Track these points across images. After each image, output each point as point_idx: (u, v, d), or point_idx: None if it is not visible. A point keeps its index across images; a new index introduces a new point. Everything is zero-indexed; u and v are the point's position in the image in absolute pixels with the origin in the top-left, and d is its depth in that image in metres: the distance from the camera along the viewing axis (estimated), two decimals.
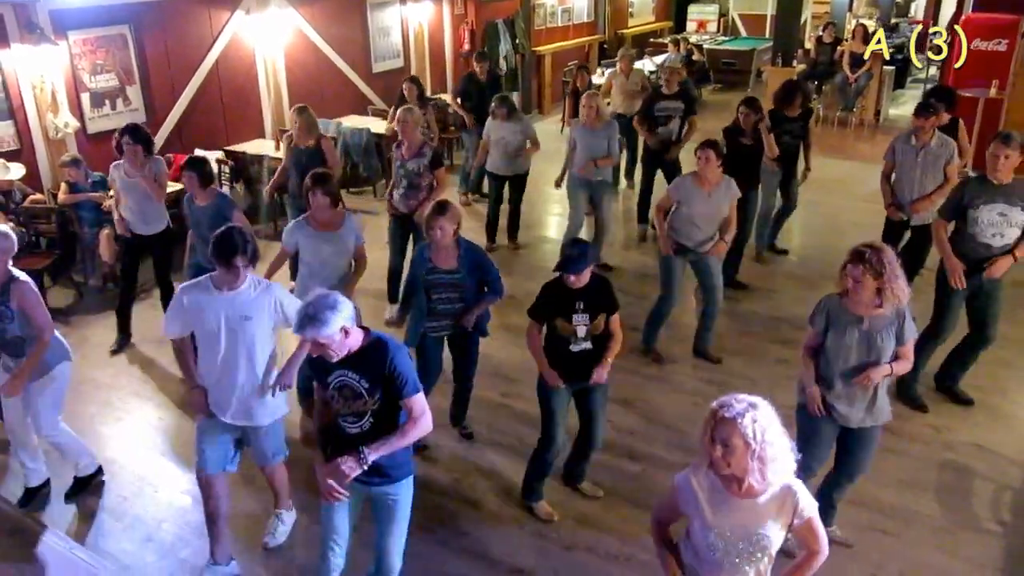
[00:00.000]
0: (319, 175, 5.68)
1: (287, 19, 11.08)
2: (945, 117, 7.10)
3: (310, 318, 3.41)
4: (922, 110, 6.66)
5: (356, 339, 3.57)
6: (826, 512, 4.50)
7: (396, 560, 3.98)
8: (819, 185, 9.17)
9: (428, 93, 11.89)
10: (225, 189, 9.55)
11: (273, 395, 4.49)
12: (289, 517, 5.02)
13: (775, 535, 3.00)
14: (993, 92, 10.91)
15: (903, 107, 15.06)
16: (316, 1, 11.56)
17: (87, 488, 5.41)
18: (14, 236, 4.81)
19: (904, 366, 4.32)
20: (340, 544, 3.97)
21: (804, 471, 4.26)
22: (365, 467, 3.61)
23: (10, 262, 4.77)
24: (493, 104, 8.86)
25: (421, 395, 3.68)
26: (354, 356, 3.59)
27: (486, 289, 5.38)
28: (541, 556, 4.78)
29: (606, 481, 5.37)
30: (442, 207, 5.18)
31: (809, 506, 3.00)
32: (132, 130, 6.83)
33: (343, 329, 3.46)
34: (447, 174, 7.40)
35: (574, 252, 4.59)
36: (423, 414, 3.67)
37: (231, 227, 4.35)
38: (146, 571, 4.76)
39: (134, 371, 6.87)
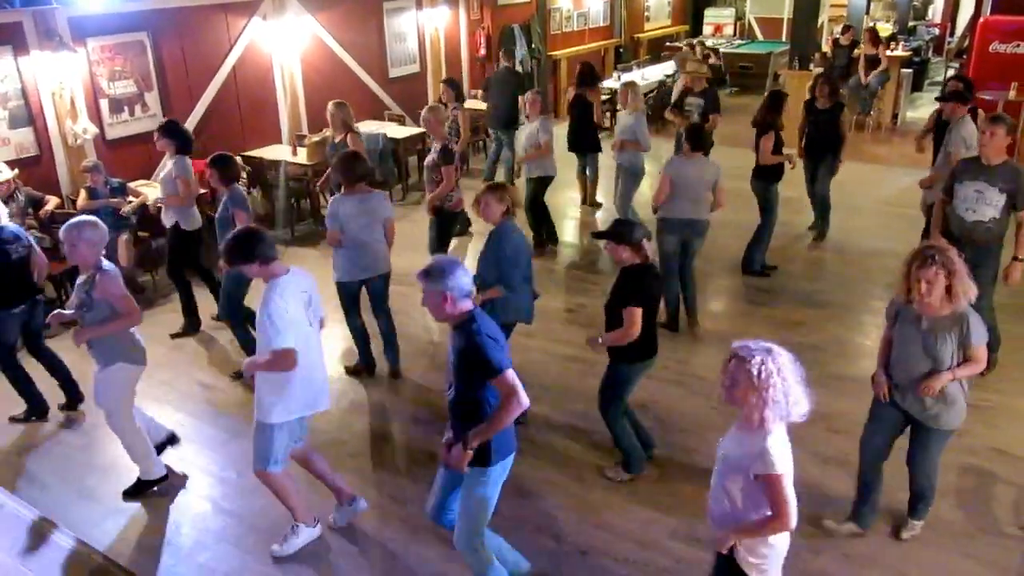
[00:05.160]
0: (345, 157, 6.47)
1: (304, 25, 11.13)
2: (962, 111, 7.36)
3: (426, 269, 3.82)
4: (946, 96, 7.34)
5: (456, 312, 3.81)
6: (915, 507, 4.80)
7: (459, 539, 4.14)
8: (837, 188, 9.14)
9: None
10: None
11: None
12: (305, 531, 4.90)
13: (738, 473, 3.31)
14: (1012, 95, 10.81)
15: (920, 110, 14.96)
16: (333, 7, 11.62)
17: (147, 492, 5.44)
18: (104, 227, 5.10)
19: (972, 369, 4.28)
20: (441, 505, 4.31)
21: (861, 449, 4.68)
22: (470, 451, 3.86)
23: (101, 253, 5.06)
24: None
25: (507, 374, 3.75)
26: (454, 327, 3.86)
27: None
28: (558, 560, 4.77)
29: (623, 487, 5.36)
30: (493, 186, 5.64)
31: (775, 462, 3.21)
32: (161, 126, 7.32)
33: (444, 294, 3.73)
34: (452, 171, 7.63)
35: (610, 225, 5.10)
36: (510, 392, 3.75)
37: (242, 229, 4.50)
38: (164, 575, 4.77)
39: (153, 375, 6.86)
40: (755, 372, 3.15)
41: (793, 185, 8.54)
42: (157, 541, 5.02)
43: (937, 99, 7.76)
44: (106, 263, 5.07)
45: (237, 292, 6.70)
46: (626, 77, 15.17)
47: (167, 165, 7.34)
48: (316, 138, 9.99)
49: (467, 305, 3.82)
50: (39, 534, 4.59)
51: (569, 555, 4.82)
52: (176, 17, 9.70)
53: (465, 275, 3.80)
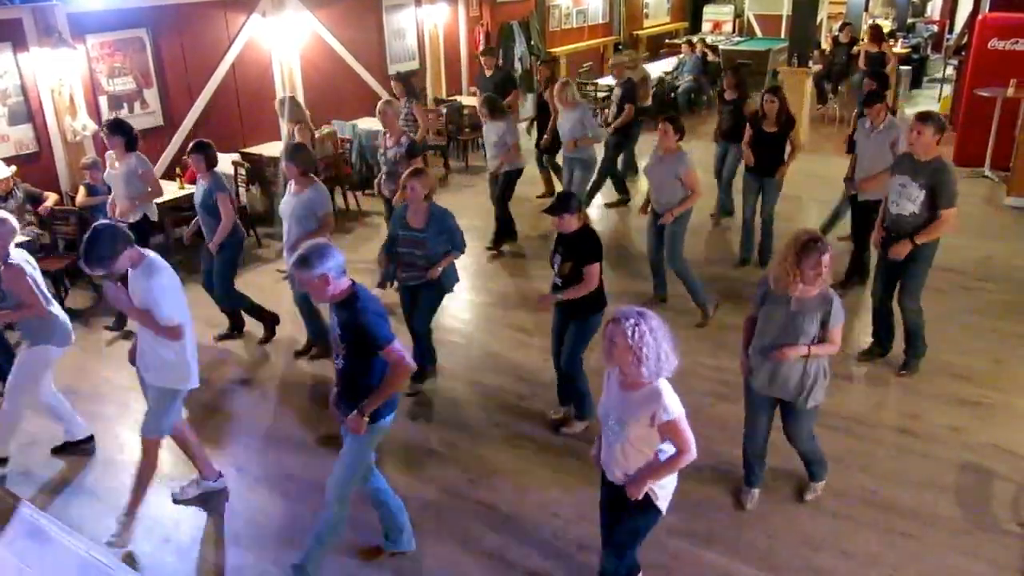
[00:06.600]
0: (289, 147, 6.69)
1: (303, 22, 11.13)
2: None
3: (300, 258, 3.92)
4: (869, 99, 7.37)
5: (337, 290, 3.98)
6: (811, 472, 5.12)
7: (333, 486, 4.31)
8: (834, 186, 9.11)
9: (442, 92, 12.00)
10: (241, 191, 9.62)
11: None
12: (191, 489, 5.33)
13: (639, 428, 3.64)
14: (1011, 92, 10.80)
15: (919, 107, 14.92)
16: (332, 4, 11.61)
17: (74, 451, 5.81)
18: (13, 222, 5.20)
19: (828, 348, 4.56)
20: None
21: (745, 439, 5.04)
22: (365, 417, 4.11)
23: (10, 247, 5.15)
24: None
25: (393, 345, 4.03)
26: (338, 304, 4.04)
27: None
28: (557, 557, 4.78)
29: None
30: (416, 171, 6.05)
31: (672, 408, 3.58)
32: (111, 124, 7.23)
33: (323, 277, 3.89)
34: (420, 163, 7.60)
35: (554, 201, 5.50)
36: (398, 361, 4.05)
37: (95, 229, 4.49)
38: (164, 572, 4.77)
39: None
40: (629, 332, 3.47)
41: (793, 184, 8.52)
42: (158, 539, 5.02)
43: (865, 102, 7.47)
44: (13, 256, 5.18)
45: (231, 275, 7.04)
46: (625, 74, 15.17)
47: (117, 165, 7.29)
48: (321, 131, 10.03)
49: (346, 282, 4.01)
50: None
51: (567, 551, 4.83)
52: (175, 14, 9.70)
53: (339, 254, 3.98)
